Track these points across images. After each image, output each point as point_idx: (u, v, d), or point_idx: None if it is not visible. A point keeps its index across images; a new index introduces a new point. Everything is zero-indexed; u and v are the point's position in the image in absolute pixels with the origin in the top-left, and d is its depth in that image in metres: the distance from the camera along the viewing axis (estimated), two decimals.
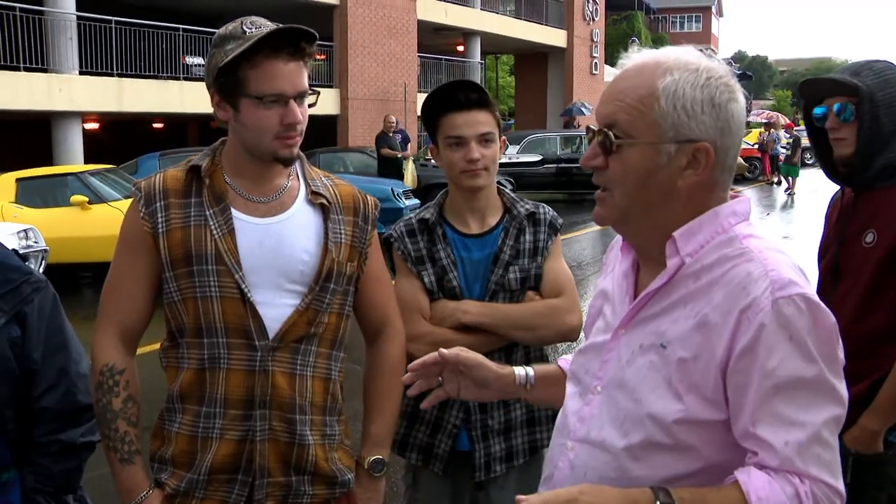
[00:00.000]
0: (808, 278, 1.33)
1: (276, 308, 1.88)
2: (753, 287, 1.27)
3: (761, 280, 1.27)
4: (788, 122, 28.50)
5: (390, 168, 15.38)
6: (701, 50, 1.41)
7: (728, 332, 1.28)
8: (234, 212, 1.89)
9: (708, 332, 1.30)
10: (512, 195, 2.41)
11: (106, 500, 2.28)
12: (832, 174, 2.45)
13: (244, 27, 1.82)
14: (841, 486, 1.26)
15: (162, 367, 1.97)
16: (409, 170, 15.41)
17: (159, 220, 1.88)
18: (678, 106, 1.32)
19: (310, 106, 1.91)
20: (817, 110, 2.41)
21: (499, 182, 2.44)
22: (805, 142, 26.50)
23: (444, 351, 1.66)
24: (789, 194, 21.63)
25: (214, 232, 1.86)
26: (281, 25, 1.82)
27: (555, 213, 2.44)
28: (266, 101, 1.82)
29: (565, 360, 1.74)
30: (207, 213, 1.88)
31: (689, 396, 1.31)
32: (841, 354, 1.30)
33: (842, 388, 1.28)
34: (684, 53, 1.38)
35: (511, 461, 2.33)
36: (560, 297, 2.30)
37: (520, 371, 1.72)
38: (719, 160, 1.35)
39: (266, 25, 1.83)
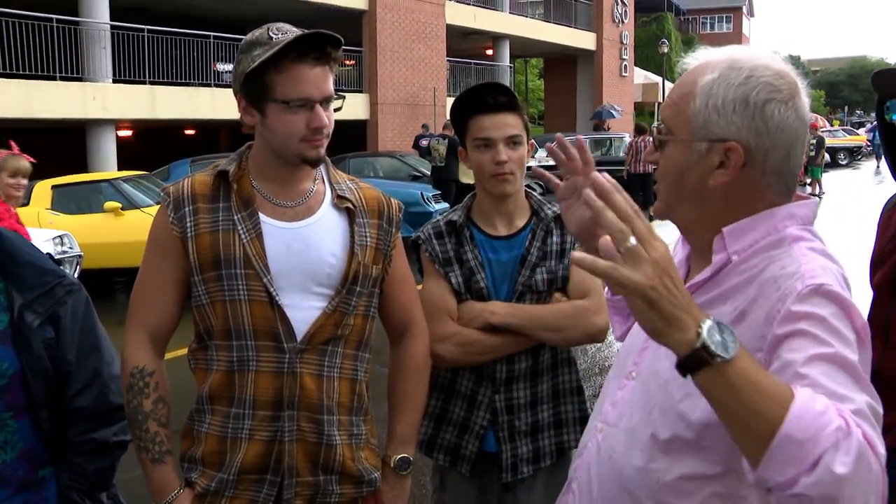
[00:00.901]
0: (850, 290, 1.28)
1: (303, 311, 1.90)
2: (785, 282, 1.25)
3: (794, 275, 1.25)
4: (813, 122, 28.04)
5: (455, 173, 14.99)
6: (776, 52, 1.40)
7: (760, 327, 1.25)
8: (262, 216, 1.91)
9: (743, 328, 1.28)
10: (539, 198, 2.41)
11: (141, 501, 2.31)
12: None
13: (270, 33, 1.84)
14: (884, 460, 1.10)
15: (191, 368, 1.99)
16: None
17: (188, 224, 1.91)
18: (710, 104, 1.33)
19: (336, 110, 1.92)
20: (890, 104, 2.18)
21: (527, 185, 2.44)
22: (829, 142, 25.98)
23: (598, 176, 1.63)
24: (819, 196, 21.26)
25: (243, 236, 1.88)
26: (306, 31, 1.84)
27: None
28: (292, 105, 1.84)
29: None
30: (235, 217, 1.90)
31: None
32: (868, 365, 1.23)
33: (876, 394, 1.19)
34: (742, 52, 1.37)
35: (538, 463, 2.33)
36: (587, 299, 2.29)
37: None
38: (756, 162, 1.33)
39: (292, 31, 1.85)
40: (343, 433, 1.96)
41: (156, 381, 1.92)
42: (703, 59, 1.38)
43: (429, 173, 15.73)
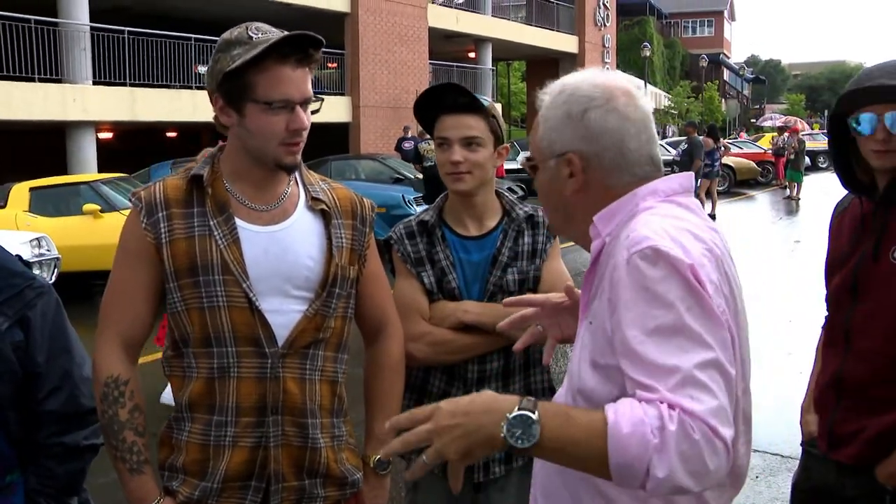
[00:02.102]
0: (704, 243, 1.36)
1: (283, 315, 1.89)
2: (618, 251, 1.36)
3: (624, 243, 1.36)
4: (794, 126, 28.19)
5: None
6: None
7: (607, 297, 1.36)
8: (238, 221, 1.89)
9: (601, 303, 1.39)
10: (511, 198, 2.42)
11: None
12: (850, 184, 2.22)
13: (250, 32, 1.83)
14: (723, 431, 1.23)
15: (165, 375, 1.96)
16: None
17: (162, 230, 1.88)
18: (547, 126, 1.52)
19: (313, 112, 1.91)
20: (862, 118, 2.09)
21: (508, 188, 2.44)
22: (809, 145, 26.10)
23: (547, 297, 1.80)
24: (796, 200, 21.33)
25: (219, 242, 1.86)
26: (288, 32, 1.82)
27: None
28: (274, 106, 1.82)
29: None
30: (211, 223, 1.88)
31: (603, 369, 1.38)
32: (708, 300, 1.30)
33: (713, 333, 1.29)
34: (571, 76, 1.54)
35: (510, 463, 2.33)
36: None
37: None
38: (593, 164, 1.47)
39: (271, 31, 1.84)
40: (326, 435, 1.96)
41: (131, 390, 1.88)
42: (545, 93, 1.54)
43: (411, 176, 15.72)
